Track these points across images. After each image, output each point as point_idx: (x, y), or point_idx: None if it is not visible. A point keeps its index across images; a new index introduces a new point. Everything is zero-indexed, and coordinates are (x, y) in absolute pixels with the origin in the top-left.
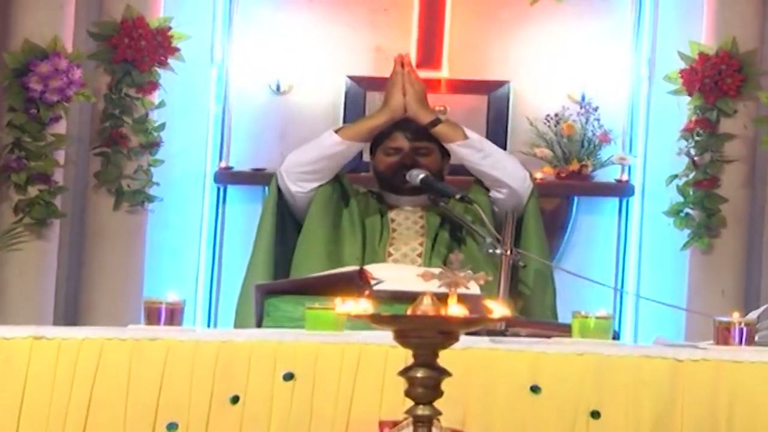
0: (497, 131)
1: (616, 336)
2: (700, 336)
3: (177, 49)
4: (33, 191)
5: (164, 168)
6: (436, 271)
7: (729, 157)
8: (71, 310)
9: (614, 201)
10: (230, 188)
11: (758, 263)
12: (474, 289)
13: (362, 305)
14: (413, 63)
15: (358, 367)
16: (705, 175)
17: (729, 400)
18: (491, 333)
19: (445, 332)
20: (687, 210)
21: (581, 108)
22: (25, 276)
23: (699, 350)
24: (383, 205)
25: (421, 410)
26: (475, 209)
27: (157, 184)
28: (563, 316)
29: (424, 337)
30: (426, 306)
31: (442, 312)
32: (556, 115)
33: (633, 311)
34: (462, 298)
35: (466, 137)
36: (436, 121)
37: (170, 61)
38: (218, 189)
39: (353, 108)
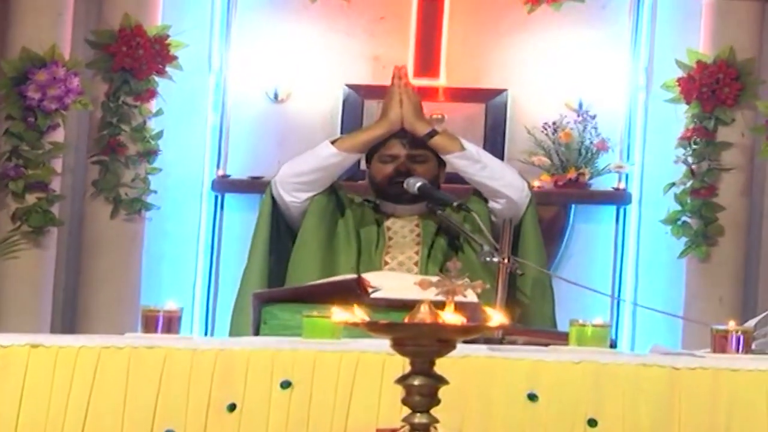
0: (495, 139)
1: (613, 344)
2: (697, 344)
3: (175, 58)
4: (31, 199)
5: (162, 176)
6: (434, 279)
7: (726, 166)
8: (69, 318)
9: (611, 209)
10: (228, 196)
11: (755, 271)
12: (471, 297)
13: (359, 313)
14: (411, 71)
15: (356, 375)
16: (702, 184)
17: (726, 409)
18: (489, 341)
19: (443, 340)
20: (684, 218)
21: (579, 116)
22: (23, 284)
23: (696, 358)
24: (379, 214)
25: (419, 418)
26: (473, 217)
27: (155, 192)
28: (561, 324)
29: (422, 345)
30: (423, 314)
31: (440, 320)
32: (554, 123)
33: (630, 319)
34: (459, 306)
35: (462, 148)
36: (433, 133)
37: (168, 69)
38: (216, 197)
39: (351, 116)
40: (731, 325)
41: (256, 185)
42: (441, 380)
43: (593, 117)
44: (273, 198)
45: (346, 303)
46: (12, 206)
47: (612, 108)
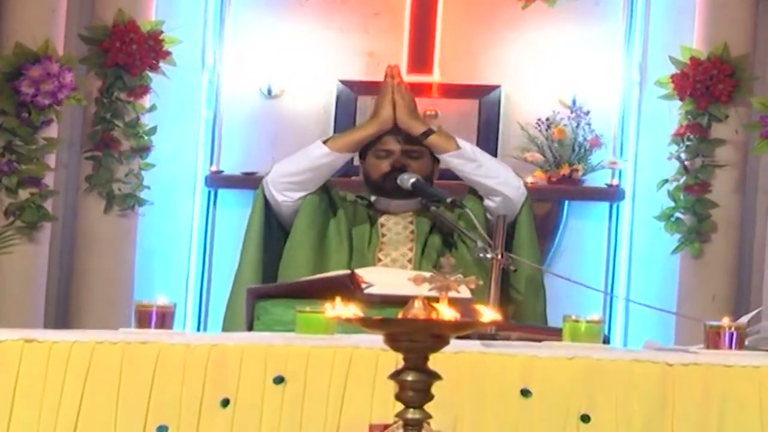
0: (488, 135)
1: (606, 340)
2: (690, 340)
3: (168, 53)
4: (24, 194)
5: (155, 172)
6: (427, 274)
7: (720, 163)
8: (62, 313)
9: (605, 205)
10: (221, 192)
11: (749, 268)
12: (465, 293)
13: (353, 309)
14: (405, 68)
15: (349, 370)
16: (696, 180)
17: (719, 405)
18: (482, 337)
19: (436, 336)
20: (678, 214)
21: (572, 112)
22: (16, 279)
23: (689, 354)
24: (373, 212)
25: (412, 414)
26: (467, 214)
27: (148, 187)
28: (554, 320)
29: (415, 340)
30: (417, 309)
31: (433, 316)
32: (547, 119)
33: (623, 315)
34: (453, 302)
35: (458, 147)
36: (428, 132)
37: (162, 65)
38: (209, 193)
39: (345, 112)
40: (724, 321)
41: (249, 181)
42: (434, 376)
43: (587, 113)
44: (265, 197)
45: (339, 298)
46: (5, 201)
47: (605, 104)
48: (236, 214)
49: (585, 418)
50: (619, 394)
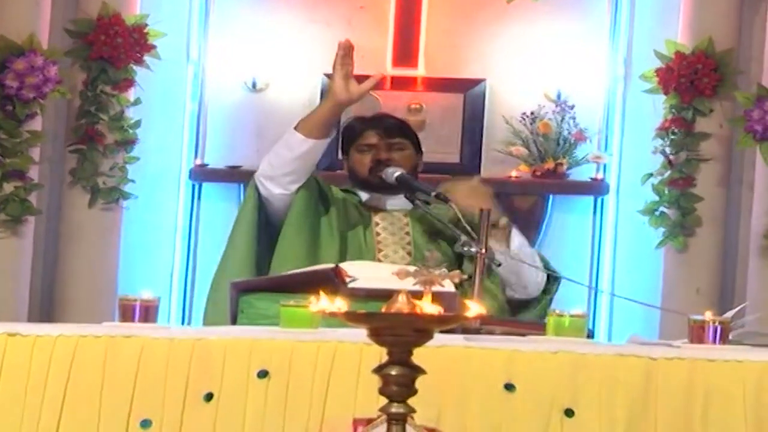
0: (473, 129)
1: (590, 334)
2: (674, 334)
3: (153, 47)
4: (8, 188)
5: (140, 165)
6: (411, 268)
7: (705, 156)
8: (46, 307)
9: (589, 199)
10: (206, 185)
11: (733, 262)
12: (449, 287)
13: (337, 303)
14: (389, 61)
15: (333, 364)
16: (680, 174)
17: (703, 399)
18: (466, 331)
19: (420, 330)
20: (662, 209)
21: (557, 106)
22: (0, 272)
23: (673, 349)
24: (365, 210)
25: (395, 408)
26: (451, 208)
27: (133, 181)
28: None
29: (399, 335)
30: (401, 304)
31: (417, 310)
32: (532, 113)
33: (607, 310)
34: (437, 296)
35: (508, 246)
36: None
37: (146, 58)
38: (193, 186)
39: None
40: (708, 315)
41: (233, 174)
42: (418, 370)
43: (571, 107)
44: (258, 192)
45: (323, 293)
46: None
47: (590, 98)
48: (221, 208)
49: (569, 413)
50: (603, 388)
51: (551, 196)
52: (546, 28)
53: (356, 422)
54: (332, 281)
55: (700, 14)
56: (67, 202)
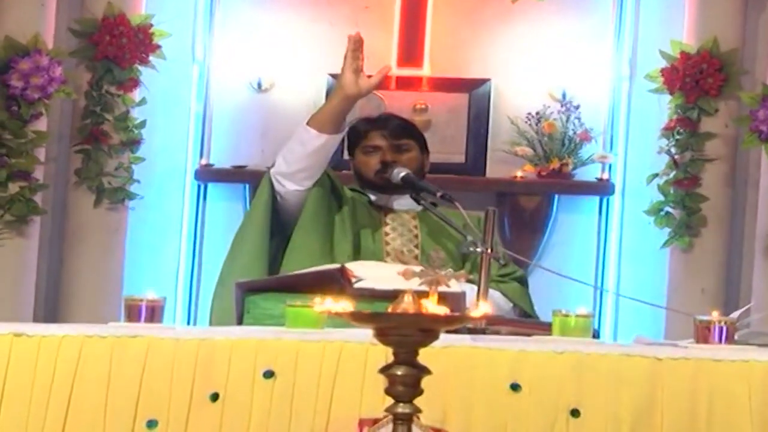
0: (478, 129)
1: (596, 334)
2: (680, 335)
3: (158, 47)
4: (14, 188)
5: (145, 165)
6: (417, 269)
7: (710, 156)
8: (51, 307)
9: (595, 199)
10: (211, 185)
11: (738, 262)
12: (455, 287)
13: (342, 303)
14: (395, 61)
15: (339, 364)
16: (686, 174)
17: (708, 399)
18: (472, 331)
19: (426, 330)
20: (667, 209)
21: (562, 106)
22: (5, 273)
23: (679, 349)
24: (375, 211)
25: (401, 408)
26: (457, 207)
27: (138, 181)
28: (544, 314)
29: (405, 335)
30: (406, 304)
31: (423, 310)
32: (537, 113)
33: (613, 310)
34: (443, 297)
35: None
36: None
37: (151, 58)
38: (199, 186)
39: None
40: (714, 315)
41: (239, 174)
42: (424, 370)
43: (577, 107)
44: (272, 188)
45: (329, 293)
46: None
47: (595, 98)
48: (226, 208)
49: (574, 413)
50: (609, 388)
51: (556, 196)
52: (551, 28)
53: (362, 422)
54: (338, 281)
55: (704, 14)
56: (73, 203)
